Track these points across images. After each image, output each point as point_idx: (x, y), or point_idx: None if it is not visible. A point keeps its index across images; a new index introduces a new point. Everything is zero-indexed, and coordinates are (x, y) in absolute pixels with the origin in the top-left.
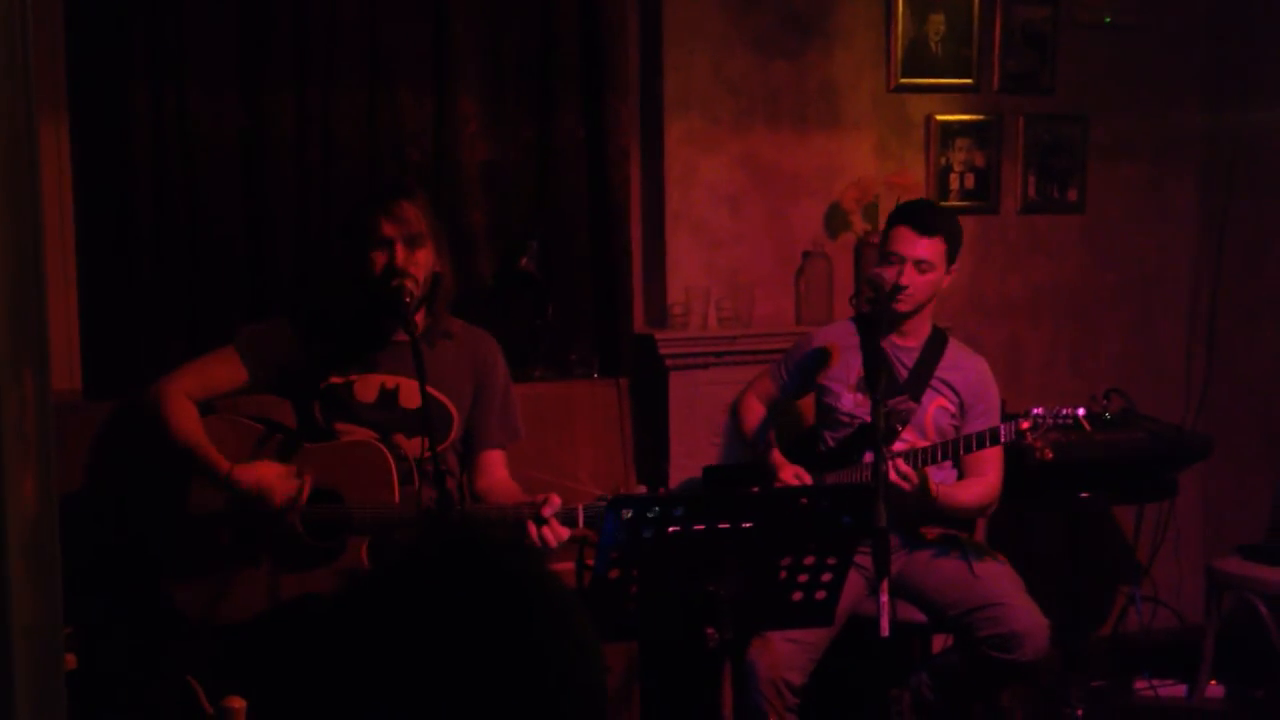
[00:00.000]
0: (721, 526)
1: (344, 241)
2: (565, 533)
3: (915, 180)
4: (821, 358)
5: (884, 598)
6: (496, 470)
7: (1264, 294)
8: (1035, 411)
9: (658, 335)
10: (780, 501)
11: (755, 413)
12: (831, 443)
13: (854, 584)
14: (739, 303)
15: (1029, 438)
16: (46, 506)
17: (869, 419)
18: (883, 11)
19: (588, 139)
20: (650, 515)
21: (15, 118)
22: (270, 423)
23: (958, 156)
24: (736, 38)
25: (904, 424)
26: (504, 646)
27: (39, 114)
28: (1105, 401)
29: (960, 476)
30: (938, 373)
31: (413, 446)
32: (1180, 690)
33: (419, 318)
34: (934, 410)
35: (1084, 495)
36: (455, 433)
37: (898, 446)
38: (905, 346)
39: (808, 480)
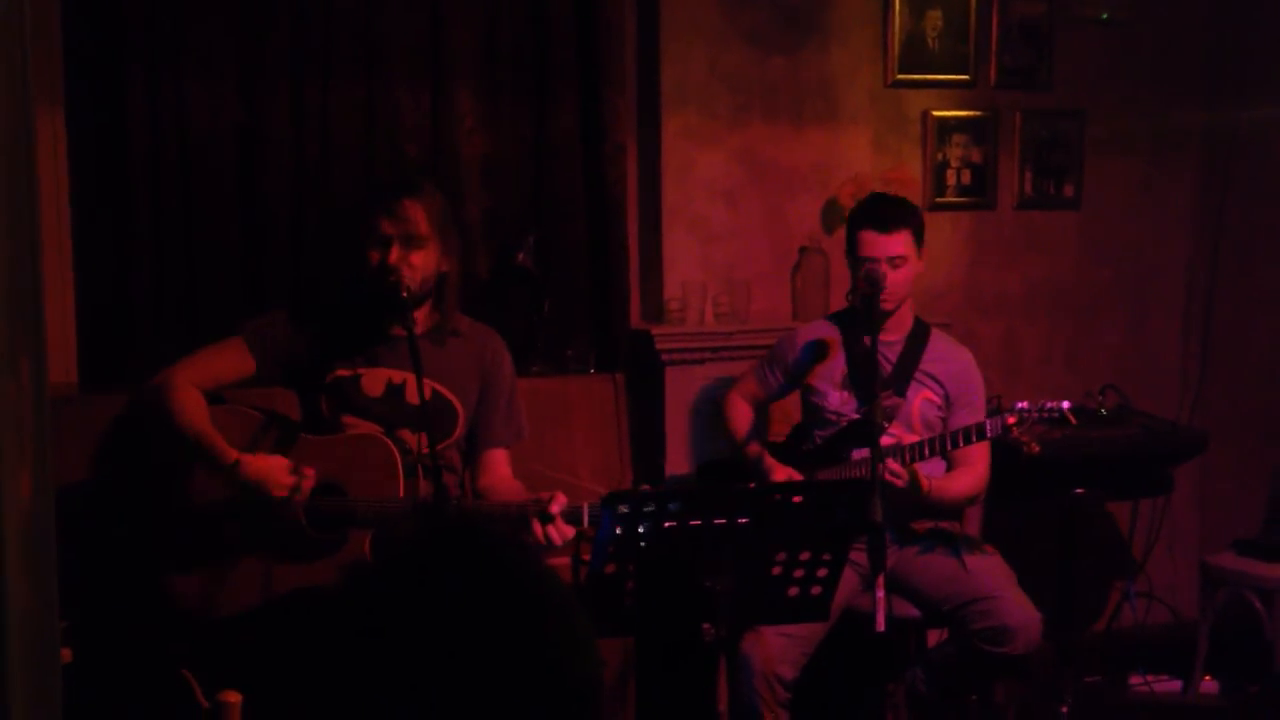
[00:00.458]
0: (717, 522)
1: (346, 234)
2: (570, 531)
3: (912, 176)
4: (819, 351)
5: (880, 593)
6: (500, 469)
7: (1259, 290)
8: (1020, 406)
9: (654, 330)
10: (776, 497)
11: (743, 414)
12: (819, 441)
13: (848, 579)
14: (735, 298)
15: (1015, 432)
16: (42, 498)
17: (856, 416)
18: (880, 7)
19: (584, 134)
20: (646, 511)
21: (12, 110)
22: (272, 413)
23: (954, 152)
24: (733, 32)
25: (891, 419)
26: (500, 641)
27: (36, 106)
28: (1101, 397)
29: (949, 467)
30: (922, 365)
31: (418, 442)
32: (1175, 686)
33: (423, 315)
34: (920, 403)
35: (1079, 491)
36: (460, 430)
37: (885, 441)
38: (888, 341)
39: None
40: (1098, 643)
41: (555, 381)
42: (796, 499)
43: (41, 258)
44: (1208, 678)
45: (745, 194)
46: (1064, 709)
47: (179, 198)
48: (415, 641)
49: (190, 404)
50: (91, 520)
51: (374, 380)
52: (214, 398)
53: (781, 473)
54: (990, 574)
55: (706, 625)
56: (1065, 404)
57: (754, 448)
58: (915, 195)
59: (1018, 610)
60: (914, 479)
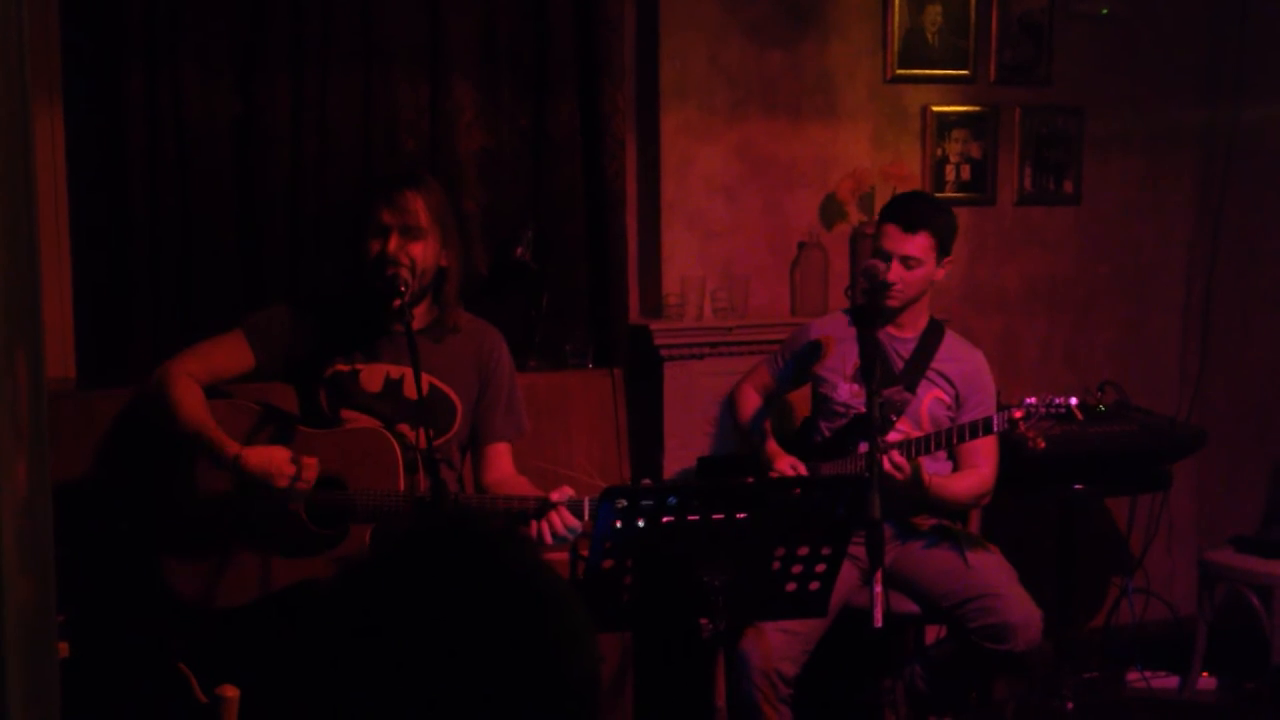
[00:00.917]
0: (716, 517)
1: (346, 225)
2: (574, 521)
3: (911, 171)
4: (815, 351)
5: (878, 588)
6: (503, 464)
7: (1258, 287)
8: (1028, 401)
9: (653, 326)
10: (774, 492)
11: (751, 402)
12: (827, 433)
13: (848, 575)
14: (734, 293)
15: (1021, 427)
16: (40, 492)
17: (864, 409)
18: (879, 2)
19: (583, 128)
20: (644, 505)
21: (10, 102)
22: (272, 407)
23: (954, 148)
24: (733, 26)
25: (899, 414)
26: (498, 636)
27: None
28: (1099, 393)
29: (956, 468)
30: (934, 364)
31: (416, 437)
32: (1172, 682)
33: (421, 310)
34: (929, 401)
35: (1077, 487)
36: (458, 425)
37: (893, 437)
38: (902, 338)
39: (804, 471)
40: (1096, 639)
41: (553, 377)
42: (795, 493)
43: (39, 252)
44: (1205, 674)
45: (744, 189)
46: (1067, 705)
47: (176, 191)
48: (412, 636)
49: (189, 397)
50: (89, 515)
51: (372, 375)
52: (217, 392)
53: (784, 460)
54: (991, 571)
55: (704, 620)
56: (1073, 400)
57: (758, 434)
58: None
59: (1019, 608)
60: (916, 472)
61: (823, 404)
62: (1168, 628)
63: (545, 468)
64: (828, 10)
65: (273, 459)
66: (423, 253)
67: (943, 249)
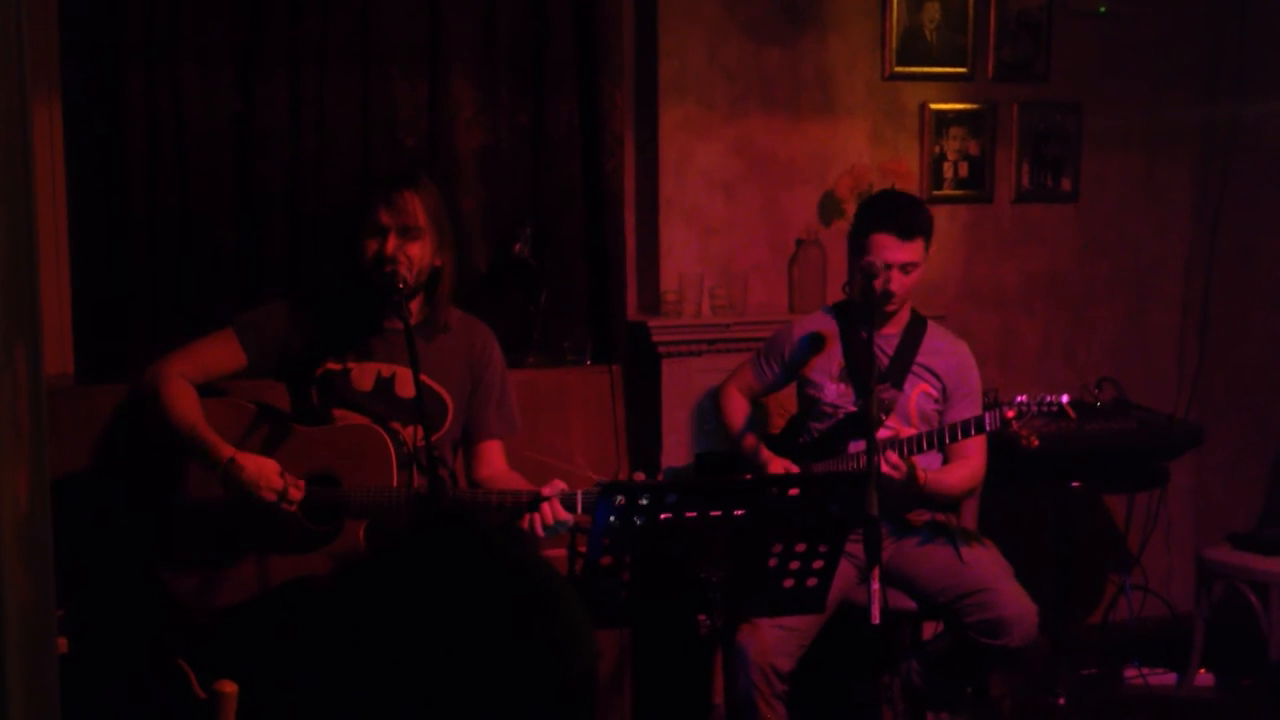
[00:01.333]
0: (714, 514)
1: (343, 225)
2: (565, 515)
3: (909, 168)
4: (815, 343)
5: (875, 585)
6: (496, 460)
7: (1256, 284)
8: (1020, 399)
9: (651, 323)
10: (772, 490)
11: (739, 406)
12: (815, 434)
13: (844, 571)
14: (732, 290)
15: (1014, 426)
16: (39, 489)
17: (853, 409)
18: None
19: (582, 125)
20: (643, 502)
21: (9, 101)
22: (266, 406)
23: (952, 145)
24: (731, 24)
25: (888, 412)
26: (496, 631)
27: (32, 96)
28: (1097, 390)
29: (945, 460)
30: (918, 358)
31: (408, 435)
32: (1170, 679)
33: (415, 307)
34: (917, 396)
35: (1075, 484)
36: (449, 422)
37: (882, 434)
38: (885, 334)
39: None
40: (1093, 635)
41: (552, 373)
42: (793, 491)
43: (38, 250)
44: (1203, 670)
45: (743, 186)
46: (1059, 701)
47: (175, 189)
48: (410, 632)
49: (181, 397)
50: (87, 511)
51: (363, 374)
52: (212, 390)
53: (778, 465)
54: (987, 566)
55: (702, 617)
56: (1065, 398)
57: (750, 440)
58: (912, 188)
59: (1014, 602)
60: (912, 471)
61: (810, 405)
62: (1165, 625)
63: (544, 462)
64: (826, 7)
65: (263, 471)
66: (420, 252)
67: (929, 244)
